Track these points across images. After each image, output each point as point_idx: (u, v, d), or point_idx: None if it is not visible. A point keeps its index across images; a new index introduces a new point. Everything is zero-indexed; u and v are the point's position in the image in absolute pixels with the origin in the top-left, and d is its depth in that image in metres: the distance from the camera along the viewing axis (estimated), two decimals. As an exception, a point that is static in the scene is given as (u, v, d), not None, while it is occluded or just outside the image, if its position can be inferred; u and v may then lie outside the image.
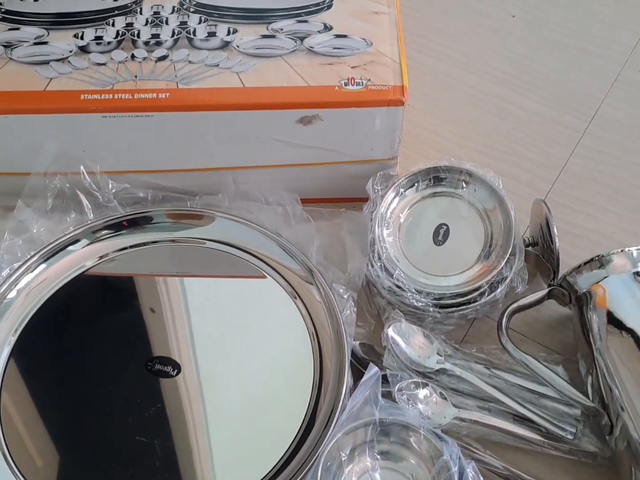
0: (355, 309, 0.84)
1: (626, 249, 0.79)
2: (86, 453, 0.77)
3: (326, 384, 0.79)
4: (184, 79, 0.85)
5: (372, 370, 0.75)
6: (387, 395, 0.77)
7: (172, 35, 0.90)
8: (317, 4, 0.93)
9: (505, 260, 0.83)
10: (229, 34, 0.90)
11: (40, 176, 0.89)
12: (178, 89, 0.84)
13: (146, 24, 0.91)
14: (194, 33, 0.90)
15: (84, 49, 0.88)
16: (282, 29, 0.90)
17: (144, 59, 0.88)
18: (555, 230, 0.82)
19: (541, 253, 0.86)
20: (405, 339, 0.82)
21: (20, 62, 0.87)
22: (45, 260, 0.87)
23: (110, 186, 0.91)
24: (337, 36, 0.90)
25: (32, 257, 0.86)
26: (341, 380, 0.77)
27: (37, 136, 0.86)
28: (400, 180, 0.89)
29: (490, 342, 0.84)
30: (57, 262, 0.87)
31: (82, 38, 0.90)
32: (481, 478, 0.71)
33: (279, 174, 0.92)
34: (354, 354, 0.82)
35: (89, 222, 0.90)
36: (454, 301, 0.83)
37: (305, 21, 0.91)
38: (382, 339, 0.82)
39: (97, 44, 0.89)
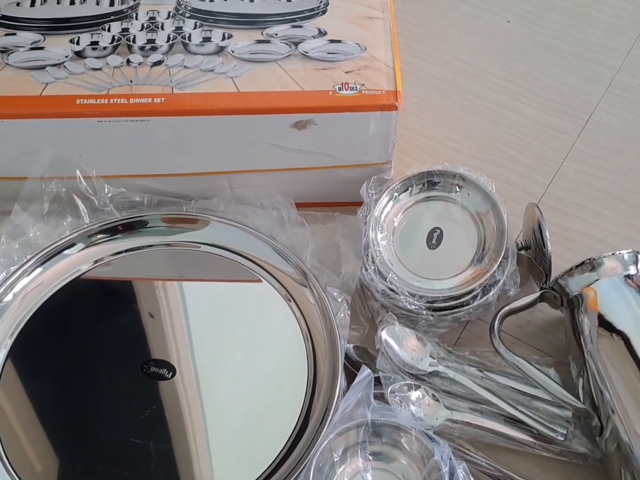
0: (349, 312, 0.85)
1: (617, 252, 0.80)
2: (82, 455, 0.77)
3: (320, 386, 0.79)
4: (179, 83, 0.86)
5: (365, 372, 0.76)
6: (380, 398, 0.78)
7: (168, 41, 0.90)
8: (312, 10, 0.94)
9: (497, 263, 0.84)
10: (223, 39, 0.90)
11: (36, 180, 0.90)
12: (173, 93, 0.85)
13: (142, 29, 0.92)
14: (189, 38, 0.91)
15: (79, 54, 0.89)
16: (276, 34, 0.91)
17: (140, 64, 0.88)
18: (547, 233, 0.82)
19: (534, 256, 0.86)
20: (399, 342, 0.82)
21: (16, 67, 0.88)
22: (41, 264, 0.88)
23: (106, 190, 0.91)
24: (332, 41, 0.90)
25: (28, 260, 0.87)
26: (334, 382, 0.78)
27: (33, 141, 0.87)
28: (394, 185, 0.90)
29: (482, 344, 0.85)
30: (53, 266, 0.88)
31: (77, 43, 0.90)
32: (472, 478, 0.71)
33: (274, 178, 0.93)
34: (347, 356, 0.82)
35: (85, 226, 0.90)
36: (447, 304, 0.84)
37: (300, 26, 0.92)
38: (375, 341, 0.83)
39: (93, 49, 0.90)
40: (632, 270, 0.80)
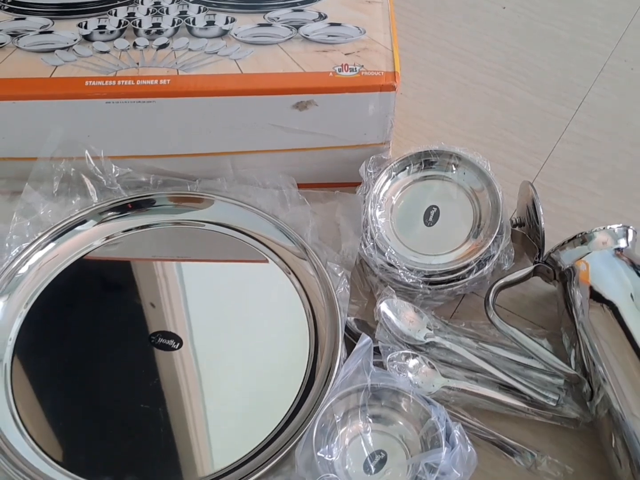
0: (348, 287, 0.87)
1: (608, 227, 0.82)
2: (94, 419, 0.80)
3: (321, 353, 0.82)
4: (184, 66, 0.88)
5: (365, 339, 0.78)
6: (379, 366, 0.80)
7: (173, 24, 0.92)
8: (312, -6, 0.96)
9: (492, 239, 0.85)
10: (227, 22, 0.92)
11: (46, 161, 0.92)
12: (178, 75, 0.87)
13: (147, 14, 0.94)
14: (194, 22, 0.93)
15: (87, 38, 0.91)
16: (278, 18, 0.93)
17: (146, 47, 0.90)
18: (541, 210, 0.84)
19: (527, 233, 0.89)
20: (397, 314, 0.85)
21: (26, 50, 0.90)
22: (53, 239, 0.90)
23: (113, 170, 0.93)
24: (332, 24, 0.92)
25: (42, 235, 0.90)
26: (335, 349, 0.81)
27: (43, 122, 0.89)
28: (392, 164, 0.91)
29: (478, 318, 0.87)
30: (65, 241, 0.91)
31: (85, 27, 0.92)
32: (467, 438, 0.73)
33: (276, 158, 0.94)
34: (348, 329, 0.84)
35: (96, 204, 0.93)
36: (443, 278, 0.86)
37: (301, 10, 0.94)
38: (374, 314, 0.85)
39: (101, 32, 0.92)
40: (622, 244, 0.82)
